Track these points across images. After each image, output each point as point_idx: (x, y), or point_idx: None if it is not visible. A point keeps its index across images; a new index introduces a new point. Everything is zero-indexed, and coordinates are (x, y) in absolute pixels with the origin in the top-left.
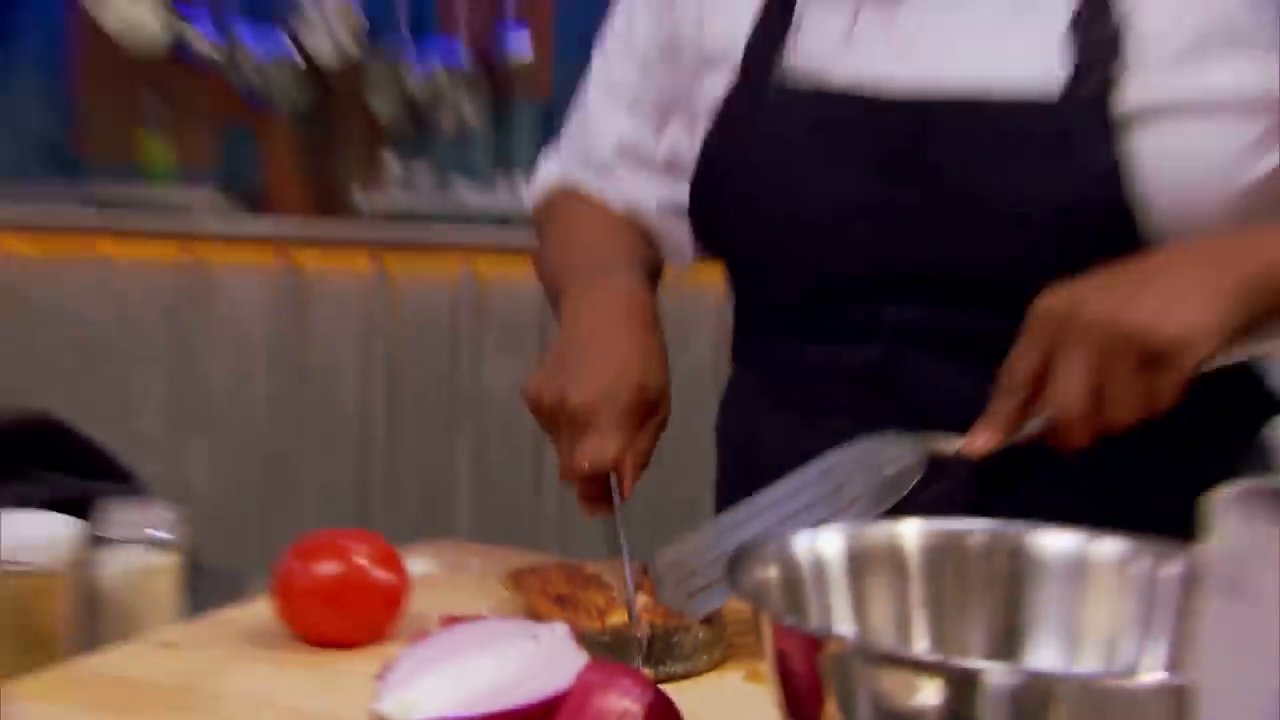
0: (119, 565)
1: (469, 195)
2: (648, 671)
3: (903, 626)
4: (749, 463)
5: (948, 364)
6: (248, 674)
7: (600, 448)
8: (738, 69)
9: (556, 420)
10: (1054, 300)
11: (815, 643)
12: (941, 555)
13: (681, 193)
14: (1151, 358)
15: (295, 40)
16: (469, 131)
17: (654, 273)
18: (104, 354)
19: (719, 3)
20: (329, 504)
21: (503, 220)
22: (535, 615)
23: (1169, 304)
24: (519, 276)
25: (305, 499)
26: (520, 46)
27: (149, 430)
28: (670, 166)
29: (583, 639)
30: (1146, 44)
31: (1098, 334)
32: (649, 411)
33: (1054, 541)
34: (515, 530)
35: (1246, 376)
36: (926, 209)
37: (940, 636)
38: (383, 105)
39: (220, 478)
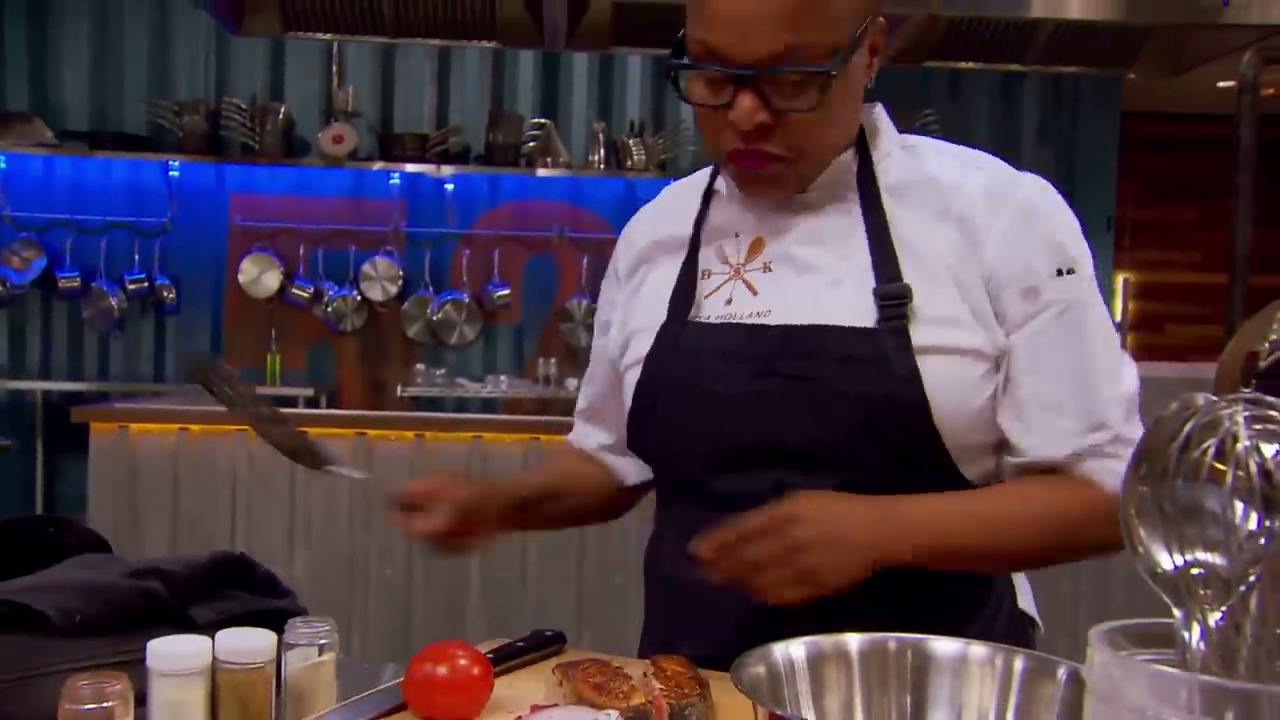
0: (298, 662)
1: (470, 387)
2: None
3: (847, 707)
4: (672, 592)
5: None
6: None
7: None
8: (662, 322)
9: None
10: (796, 510)
11: None
12: (870, 655)
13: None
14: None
15: (358, 288)
16: (469, 346)
17: (568, 479)
18: (242, 493)
19: (643, 299)
20: (387, 591)
21: (490, 403)
22: (580, 697)
23: (831, 570)
24: (506, 439)
25: (371, 587)
26: (501, 291)
27: (272, 544)
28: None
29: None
30: (920, 310)
31: (791, 555)
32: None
33: (944, 646)
34: (504, 606)
35: None
36: (791, 399)
37: (870, 713)
38: (414, 329)
39: (317, 574)
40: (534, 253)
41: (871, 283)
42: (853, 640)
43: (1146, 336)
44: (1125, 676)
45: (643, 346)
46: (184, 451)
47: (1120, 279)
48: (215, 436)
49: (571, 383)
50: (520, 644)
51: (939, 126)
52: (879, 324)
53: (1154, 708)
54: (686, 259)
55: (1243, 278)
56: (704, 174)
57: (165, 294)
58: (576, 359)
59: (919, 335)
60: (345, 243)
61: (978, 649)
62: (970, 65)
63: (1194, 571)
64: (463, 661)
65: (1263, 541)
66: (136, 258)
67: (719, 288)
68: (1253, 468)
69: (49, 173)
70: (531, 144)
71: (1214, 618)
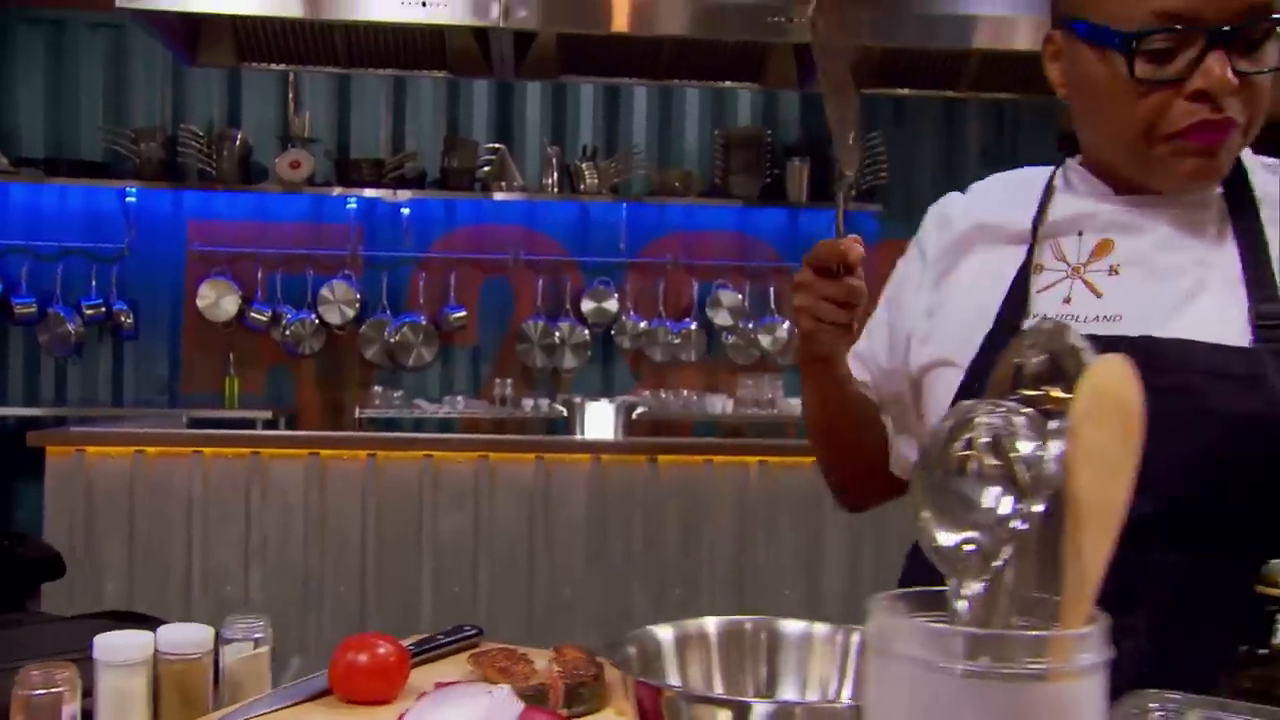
0: (235, 654)
1: (427, 408)
2: (564, 712)
3: (707, 678)
4: None
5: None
6: (315, 719)
7: None
8: (989, 331)
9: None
10: None
11: (658, 691)
12: (729, 635)
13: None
14: None
15: (316, 311)
16: (426, 368)
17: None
18: (198, 514)
19: (959, 289)
20: (341, 608)
21: (447, 423)
22: (488, 679)
23: None
24: (460, 460)
25: (325, 604)
26: (457, 314)
27: (228, 563)
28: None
29: (517, 692)
30: None
31: None
32: None
33: (791, 626)
34: (456, 620)
35: None
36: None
37: (729, 683)
38: (371, 352)
39: (272, 593)
40: (490, 275)
41: (1240, 296)
42: (711, 623)
43: None
44: (898, 633)
45: (956, 346)
46: (140, 474)
47: None
48: (171, 459)
49: (527, 403)
50: (441, 636)
51: (884, 149)
52: (1255, 343)
53: (924, 656)
54: (1026, 259)
55: None
56: (1040, 171)
57: (123, 319)
58: (532, 379)
59: None
60: (303, 267)
61: (820, 628)
62: (907, 92)
63: (965, 548)
64: (381, 650)
65: (1015, 524)
66: (94, 283)
67: (1052, 285)
68: (993, 460)
69: (4, 199)
70: (486, 169)
71: (977, 587)
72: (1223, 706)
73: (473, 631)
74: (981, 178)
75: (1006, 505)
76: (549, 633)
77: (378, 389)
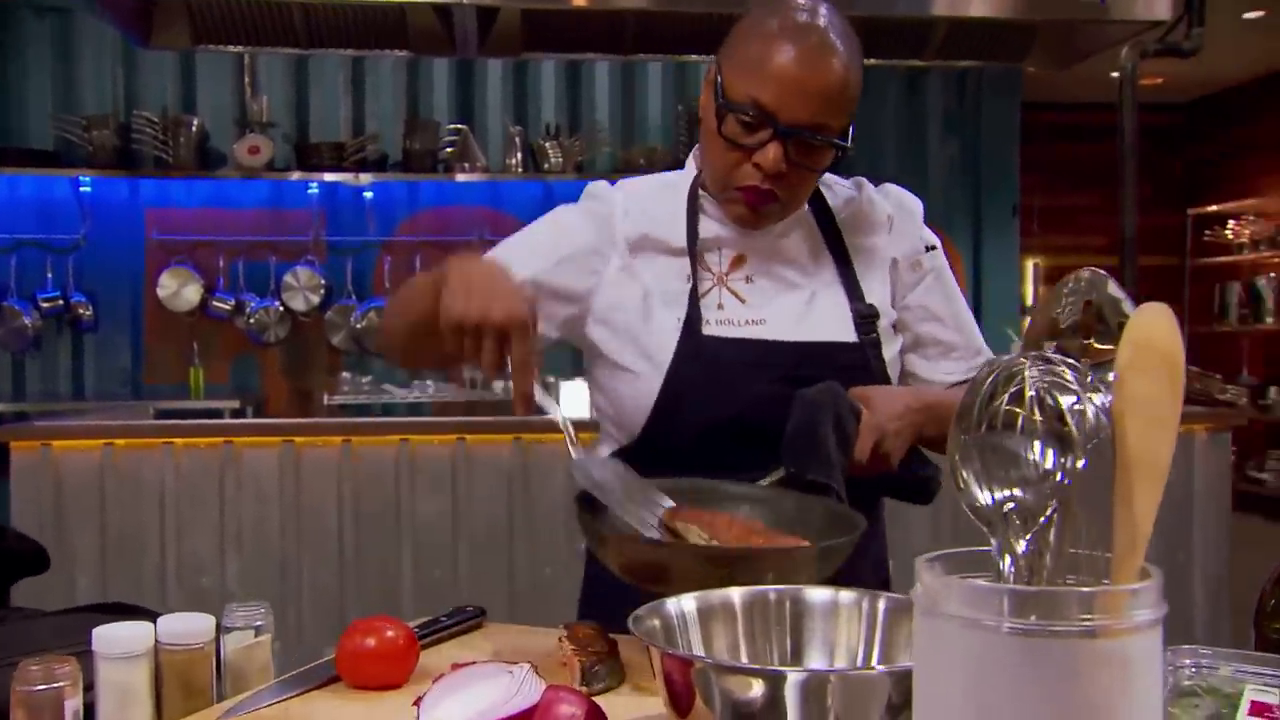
0: (236, 643)
1: (396, 393)
2: (583, 689)
3: (734, 649)
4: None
5: None
6: (325, 706)
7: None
8: (679, 337)
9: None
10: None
11: (688, 663)
12: (753, 605)
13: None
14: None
15: (280, 299)
16: None
17: None
18: (171, 506)
19: (638, 292)
20: (320, 595)
21: (418, 408)
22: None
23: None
24: (434, 441)
25: (304, 592)
26: None
27: (203, 552)
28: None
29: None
30: (881, 313)
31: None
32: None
33: (816, 594)
34: (437, 606)
35: None
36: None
37: (754, 653)
38: (338, 338)
39: (249, 583)
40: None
41: (842, 297)
42: (735, 594)
43: None
44: (945, 592)
45: (643, 355)
46: (110, 466)
47: (1030, 264)
48: (141, 451)
49: (499, 385)
50: (444, 619)
51: None
52: (860, 339)
53: (971, 614)
54: (692, 273)
55: (1132, 259)
56: (676, 181)
57: (82, 311)
58: (504, 361)
59: (885, 341)
60: (265, 254)
61: (846, 595)
62: (874, 62)
63: (1006, 507)
64: (390, 633)
65: (1059, 478)
66: (50, 275)
67: (706, 293)
68: (1038, 415)
69: None
70: (449, 150)
71: (1021, 545)
72: (1250, 659)
73: (474, 613)
74: (944, 148)
75: (1050, 460)
76: (531, 613)
77: (346, 375)
